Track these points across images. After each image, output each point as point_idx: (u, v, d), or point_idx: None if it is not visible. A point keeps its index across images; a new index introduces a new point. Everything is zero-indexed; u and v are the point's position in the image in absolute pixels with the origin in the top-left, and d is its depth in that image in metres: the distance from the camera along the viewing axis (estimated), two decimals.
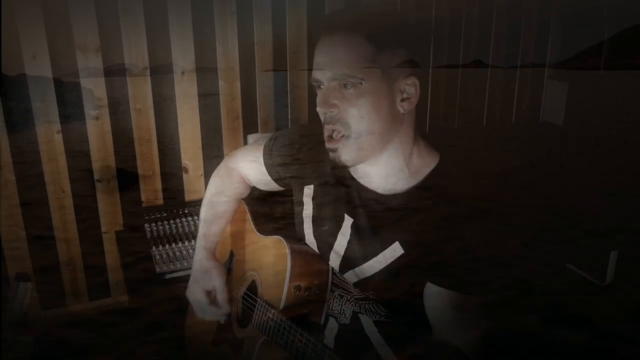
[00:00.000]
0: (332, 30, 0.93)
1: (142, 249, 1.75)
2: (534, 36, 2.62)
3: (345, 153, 0.94)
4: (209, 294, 1.17)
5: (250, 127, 2.15)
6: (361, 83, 0.90)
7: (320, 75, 0.93)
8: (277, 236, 1.12)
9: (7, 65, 1.76)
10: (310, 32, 0.95)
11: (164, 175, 2.06)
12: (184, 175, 2.07)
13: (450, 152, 1.02)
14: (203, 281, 1.17)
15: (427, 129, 2.55)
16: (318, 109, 0.95)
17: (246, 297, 1.18)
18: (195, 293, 1.18)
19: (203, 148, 2.08)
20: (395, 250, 0.96)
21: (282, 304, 1.03)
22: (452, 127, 2.63)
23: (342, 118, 0.92)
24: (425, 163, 0.98)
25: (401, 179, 0.98)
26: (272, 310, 1.04)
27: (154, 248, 1.70)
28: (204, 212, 1.28)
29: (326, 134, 0.96)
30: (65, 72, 1.84)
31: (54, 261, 2.00)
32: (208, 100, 2.09)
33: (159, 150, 2.02)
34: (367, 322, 1.04)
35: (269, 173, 1.21)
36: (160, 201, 2.07)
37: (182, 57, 1.95)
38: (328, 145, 0.96)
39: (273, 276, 1.10)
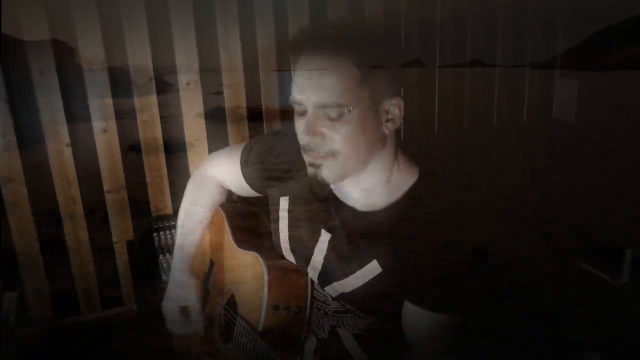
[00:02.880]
0: (312, 51, 0.87)
1: (150, 258, 1.77)
2: (541, 34, 2.58)
3: (327, 170, 0.90)
4: (183, 309, 1.16)
5: (255, 133, 2.17)
6: (349, 111, 0.85)
7: (302, 97, 0.87)
8: (254, 252, 1.09)
9: (17, 80, 1.80)
10: (290, 45, 0.87)
11: (172, 184, 2.08)
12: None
13: (431, 166, 0.98)
14: (176, 297, 1.17)
15: (435, 131, 2.54)
16: (303, 137, 0.89)
17: (227, 310, 1.17)
18: (168, 308, 1.17)
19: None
20: (373, 269, 0.93)
21: (260, 326, 1.00)
22: (461, 127, 2.61)
23: (329, 147, 0.88)
24: (404, 179, 0.95)
25: (380, 195, 0.95)
26: (251, 333, 1.02)
27: (161, 257, 1.72)
28: (180, 221, 1.26)
29: (308, 147, 0.91)
30: (72, 87, 1.88)
31: (67, 271, 2.04)
32: (213, 109, 2.11)
33: (167, 159, 2.04)
34: (346, 336, 1.01)
35: (246, 180, 1.18)
36: (170, 210, 2.09)
37: (187, 67, 1.97)
38: (310, 159, 0.91)
39: (251, 295, 1.07)
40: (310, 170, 0.92)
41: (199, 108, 2.03)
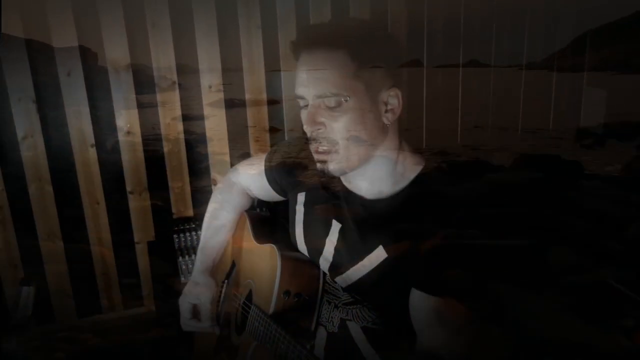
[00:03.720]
0: (311, 46, 0.93)
1: (170, 259, 1.78)
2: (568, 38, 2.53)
3: (332, 165, 0.96)
4: (194, 307, 1.21)
5: (277, 138, 2.17)
6: (346, 100, 0.90)
7: (304, 91, 0.94)
8: (270, 244, 1.14)
9: (43, 80, 1.85)
10: (291, 45, 0.95)
11: (194, 187, 2.10)
12: (213, 187, 2.11)
13: (436, 158, 1.02)
14: (191, 294, 1.22)
15: (459, 136, 2.51)
16: (305, 128, 0.96)
17: (244, 305, 1.19)
18: (182, 303, 1.22)
19: (231, 159, 2.11)
20: (379, 255, 0.96)
21: (271, 309, 1.03)
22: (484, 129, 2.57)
23: (329, 136, 0.94)
24: (410, 168, 0.99)
25: (387, 184, 0.99)
26: (262, 316, 1.05)
27: (180, 258, 1.73)
28: (205, 224, 1.32)
29: (314, 145, 0.97)
30: (98, 88, 1.92)
31: (90, 270, 2.08)
32: (235, 113, 2.12)
33: (189, 162, 2.07)
34: (355, 329, 1.02)
35: (270, 183, 1.24)
36: (191, 212, 2.11)
37: (209, 70, 1.99)
38: (316, 156, 0.98)
39: (265, 282, 1.11)
40: (318, 165, 0.98)
41: (221, 112, 2.05)
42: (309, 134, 0.96)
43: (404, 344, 0.94)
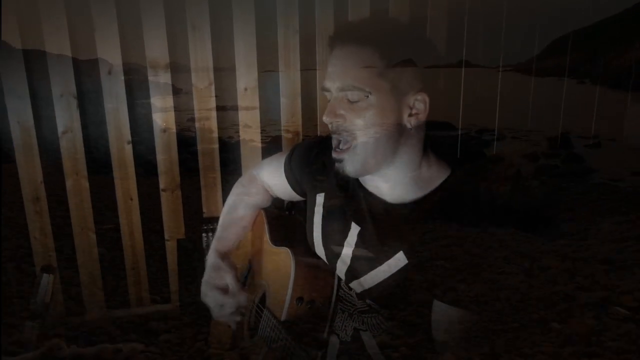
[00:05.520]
0: (344, 42, 0.94)
1: (198, 258, 1.80)
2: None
3: (350, 164, 0.96)
4: (223, 290, 1.15)
5: None
6: (368, 96, 0.91)
7: (330, 84, 0.95)
8: (285, 247, 1.12)
9: (85, 79, 1.90)
10: (328, 40, 0.96)
11: (225, 187, 2.12)
12: None
13: (464, 166, 1.00)
14: (214, 279, 1.17)
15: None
16: (325, 119, 0.96)
17: (258, 307, 1.18)
18: (208, 293, 1.17)
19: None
20: (399, 260, 0.94)
21: (283, 316, 1.02)
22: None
23: (348, 128, 0.93)
24: (435, 175, 0.98)
25: (411, 189, 0.97)
26: (274, 322, 1.04)
27: (206, 257, 1.74)
28: (222, 216, 1.31)
29: (334, 143, 0.97)
30: (136, 87, 1.96)
31: (121, 264, 2.12)
32: (269, 116, 2.13)
33: (221, 163, 2.08)
34: (368, 339, 1.01)
35: (289, 182, 1.22)
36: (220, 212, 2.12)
37: (246, 73, 2.00)
38: (334, 155, 0.98)
39: (279, 288, 1.09)
40: (336, 165, 0.98)
41: (255, 115, 2.06)
42: (329, 126, 0.97)
43: (418, 355, 0.92)
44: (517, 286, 0.92)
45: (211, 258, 1.23)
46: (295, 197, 1.25)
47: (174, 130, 2.02)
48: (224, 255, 1.23)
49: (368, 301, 1.02)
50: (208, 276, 1.21)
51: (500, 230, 0.89)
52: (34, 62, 1.88)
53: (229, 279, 1.16)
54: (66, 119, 1.90)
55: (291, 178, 1.22)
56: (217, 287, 1.17)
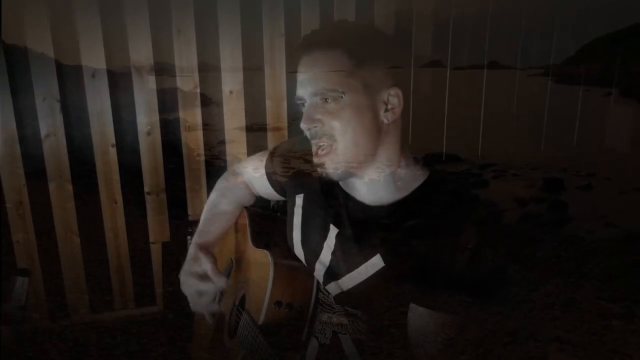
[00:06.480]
0: (310, 48, 0.96)
1: (182, 261, 1.80)
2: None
3: (331, 168, 0.96)
4: (201, 277, 1.12)
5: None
6: (342, 96, 0.92)
7: (302, 91, 0.96)
8: (264, 250, 1.12)
9: (69, 82, 1.88)
10: (292, 54, 0.98)
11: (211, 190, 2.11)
12: None
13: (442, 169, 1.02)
14: (192, 268, 1.15)
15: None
16: (302, 125, 0.97)
17: (238, 309, 1.18)
18: (187, 281, 1.15)
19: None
20: (375, 263, 0.95)
21: (261, 320, 1.02)
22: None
23: (327, 132, 0.94)
24: (413, 177, 0.99)
25: (388, 191, 0.98)
26: (252, 325, 1.03)
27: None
28: (204, 211, 1.30)
29: (313, 150, 0.98)
30: (120, 90, 1.94)
31: (105, 267, 2.11)
32: (255, 119, 2.13)
33: (207, 166, 2.08)
34: (347, 341, 1.01)
35: (270, 182, 1.23)
36: None
37: (231, 76, 2.00)
38: (315, 160, 0.98)
39: (258, 291, 1.09)
40: (318, 170, 0.99)
41: (241, 118, 2.06)
42: (307, 133, 0.97)
43: (396, 357, 0.93)
44: None
45: (191, 250, 1.21)
46: (276, 196, 1.25)
47: (159, 132, 2.01)
48: (205, 248, 1.20)
49: (346, 306, 1.02)
50: (187, 265, 1.19)
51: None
52: (17, 65, 1.86)
53: (207, 266, 1.13)
54: (49, 122, 1.88)
55: (272, 178, 1.22)
56: (195, 273, 1.14)
